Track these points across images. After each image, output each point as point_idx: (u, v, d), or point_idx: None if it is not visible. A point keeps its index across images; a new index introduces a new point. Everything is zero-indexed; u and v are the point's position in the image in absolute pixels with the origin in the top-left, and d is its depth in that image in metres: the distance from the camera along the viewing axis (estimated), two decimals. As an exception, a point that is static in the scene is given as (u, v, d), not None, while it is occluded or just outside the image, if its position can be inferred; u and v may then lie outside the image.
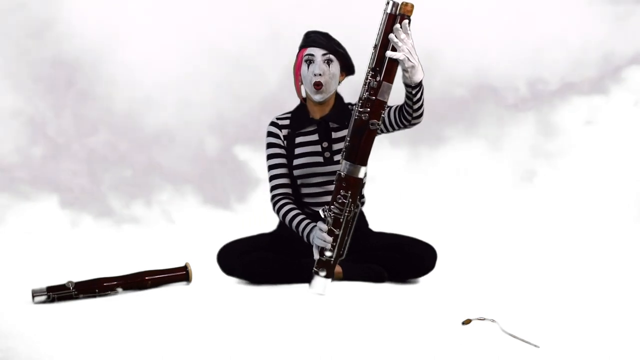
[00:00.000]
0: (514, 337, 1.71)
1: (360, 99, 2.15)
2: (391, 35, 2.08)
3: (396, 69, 2.13)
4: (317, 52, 2.52)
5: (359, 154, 2.15)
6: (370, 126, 2.14)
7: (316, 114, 2.61)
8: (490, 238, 3.55)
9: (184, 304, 2.22)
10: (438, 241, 2.65)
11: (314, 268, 2.20)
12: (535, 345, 1.65)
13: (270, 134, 2.64)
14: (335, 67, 2.55)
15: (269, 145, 2.64)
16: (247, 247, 2.58)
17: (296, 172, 2.57)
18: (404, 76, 2.17)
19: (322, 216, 2.19)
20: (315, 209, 2.57)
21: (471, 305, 2.08)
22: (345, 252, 2.21)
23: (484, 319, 1.86)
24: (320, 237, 2.17)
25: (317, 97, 2.54)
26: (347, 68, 2.60)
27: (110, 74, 4.02)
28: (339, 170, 2.18)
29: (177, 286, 2.51)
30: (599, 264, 2.98)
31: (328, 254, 2.17)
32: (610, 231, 3.66)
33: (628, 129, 4.14)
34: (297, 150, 2.58)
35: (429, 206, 3.90)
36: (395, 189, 3.02)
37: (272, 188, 2.61)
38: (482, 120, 4.18)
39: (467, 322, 1.86)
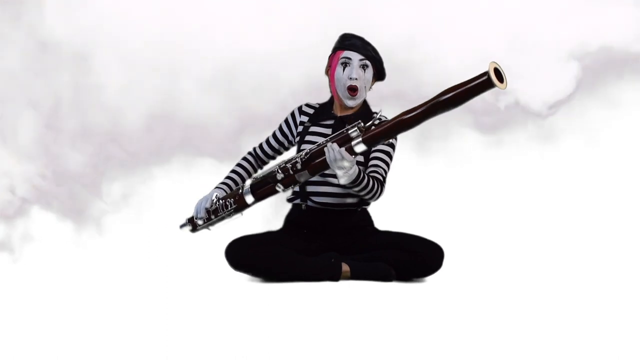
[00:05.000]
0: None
1: (286, 162, 2.37)
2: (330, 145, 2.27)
3: (320, 166, 2.34)
4: (355, 57, 2.54)
5: (258, 191, 2.44)
6: (277, 187, 2.39)
7: (338, 111, 2.64)
8: (497, 237, 3.54)
9: (185, 302, 2.23)
10: (445, 240, 2.65)
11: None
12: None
13: (291, 114, 2.71)
14: (370, 73, 2.57)
15: (282, 123, 2.72)
16: (258, 242, 2.55)
17: None
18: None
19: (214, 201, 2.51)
20: (317, 199, 2.58)
21: (478, 305, 2.08)
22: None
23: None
24: (200, 208, 2.52)
25: (350, 103, 2.58)
26: (379, 74, 2.62)
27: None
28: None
29: (181, 284, 2.51)
30: (609, 263, 2.98)
31: (199, 222, 2.55)
32: (620, 231, 3.65)
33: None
34: (308, 138, 2.61)
35: (435, 204, 3.90)
36: (402, 186, 3.02)
37: (255, 147, 2.73)
38: (487, 117, 4.17)
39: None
